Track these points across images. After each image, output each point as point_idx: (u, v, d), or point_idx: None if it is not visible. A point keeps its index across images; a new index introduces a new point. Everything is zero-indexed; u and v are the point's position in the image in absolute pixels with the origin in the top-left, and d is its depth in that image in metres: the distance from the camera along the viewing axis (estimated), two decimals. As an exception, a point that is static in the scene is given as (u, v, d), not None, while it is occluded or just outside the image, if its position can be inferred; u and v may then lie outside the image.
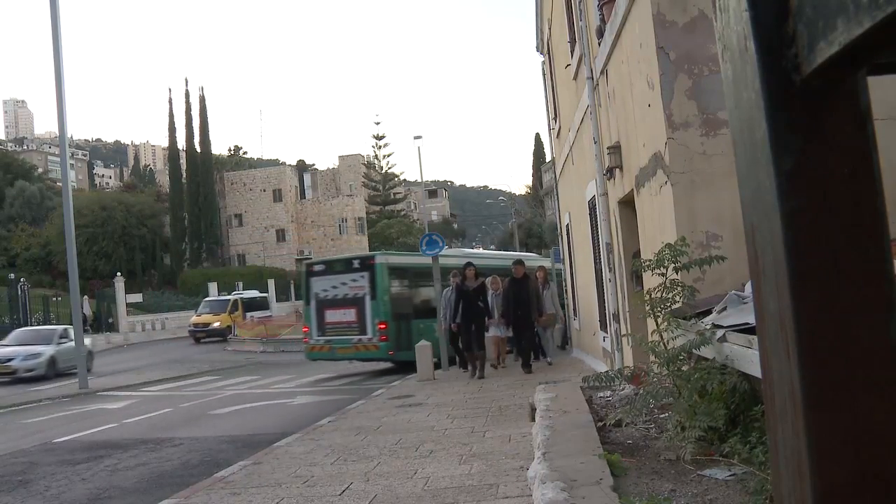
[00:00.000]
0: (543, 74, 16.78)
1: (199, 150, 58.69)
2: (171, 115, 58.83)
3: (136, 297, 44.30)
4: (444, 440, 6.76)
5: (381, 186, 76.14)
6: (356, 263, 16.26)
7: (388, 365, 16.34)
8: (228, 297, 37.22)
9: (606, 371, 7.13)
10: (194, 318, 35.90)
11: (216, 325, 34.62)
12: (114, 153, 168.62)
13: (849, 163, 0.66)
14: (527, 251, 60.82)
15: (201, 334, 34.68)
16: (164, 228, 56.41)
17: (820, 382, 0.65)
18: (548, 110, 16.48)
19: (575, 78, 10.62)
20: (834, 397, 0.65)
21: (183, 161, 58.44)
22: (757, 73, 0.67)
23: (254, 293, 40.67)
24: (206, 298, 39.87)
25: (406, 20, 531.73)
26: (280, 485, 5.49)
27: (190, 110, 59.10)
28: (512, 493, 4.65)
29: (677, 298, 4.86)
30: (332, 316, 15.91)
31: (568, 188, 14.28)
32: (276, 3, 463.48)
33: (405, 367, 14.40)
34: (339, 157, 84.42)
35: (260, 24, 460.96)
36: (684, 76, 5.82)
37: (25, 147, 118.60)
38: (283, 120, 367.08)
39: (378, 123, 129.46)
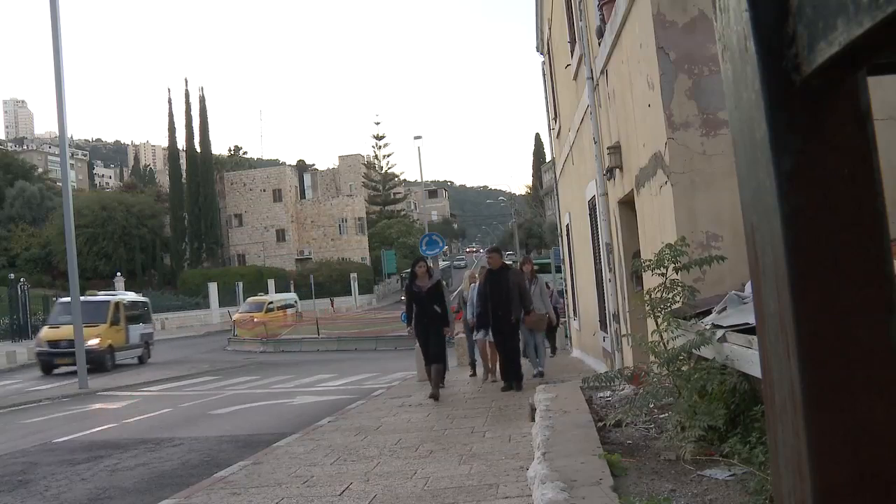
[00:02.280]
0: (543, 74, 16.79)
1: (199, 150, 58.70)
2: (171, 115, 58.89)
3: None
4: (443, 440, 6.76)
5: (381, 186, 76.17)
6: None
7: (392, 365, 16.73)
8: (106, 299, 22.92)
9: (606, 371, 7.14)
10: (47, 332, 20.62)
11: (93, 342, 19.42)
12: (114, 153, 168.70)
13: (849, 163, 0.66)
14: (527, 251, 60.86)
15: (62, 360, 19.53)
16: (164, 228, 56.43)
17: (820, 382, 0.65)
18: (548, 110, 16.49)
19: (575, 78, 10.62)
20: (834, 397, 0.65)
21: (183, 161, 58.45)
22: (757, 73, 0.67)
23: (130, 294, 26.25)
24: (60, 300, 24.10)
25: (406, 20, 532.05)
26: (280, 485, 5.49)
27: (190, 110, 59.15)
28: (512, 493, 4.65)
29: (677, 298, 4.86)
30: None
31: (568, 188, 14.28)
32: (276, 3, 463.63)
33: None
34: (339, 157, 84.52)
35: (260, 25, 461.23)
36: (684, 76, 5.83)
37: (25, 147, 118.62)
38: (283, 120, 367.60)
39: (378, 123, 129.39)
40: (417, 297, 10.02)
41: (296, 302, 41.71)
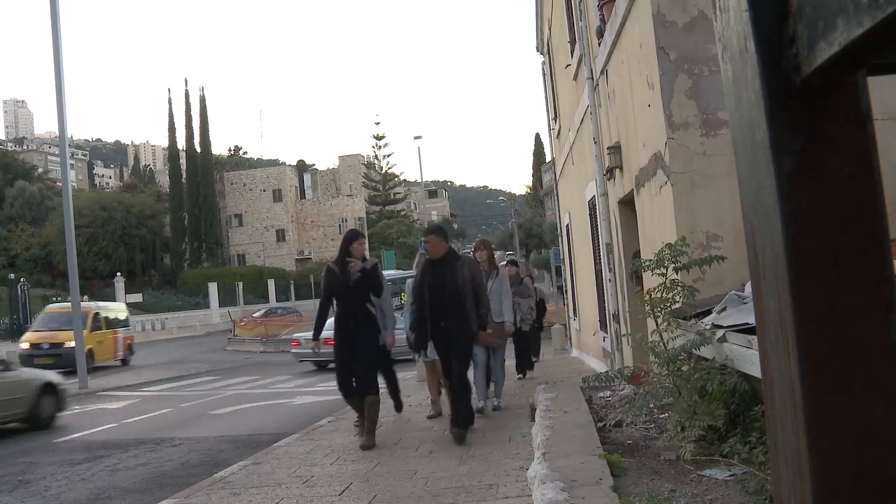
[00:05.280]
0: (543, 74, 16.80)
1: (199, 150, 58.77)
2: (171, 115, 58.98)
3: (136, 297, 44.36)
4: (443, 440, 6.75)
5: (381, 186, 76.13)
6: None
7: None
8: None
9: (606, 371, 7.14)
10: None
11: None
12: (114, 153, 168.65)
13: (849, 163, 0.66)
14: (527, 251, 60.77)
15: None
16: (164, 228, 56.46)
17: (820, 382, 0.65)
18: (548, 110, 16.49)
19: (575, 78, 10.62)
20: (834, 397, 0.65)
21: (183, 161, 58.51)
22: (757, 73, 0.67)
23: None
24: None
25: (406, 20, 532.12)
26: (280, 485, 5.49)
27: (190, 110, 59.21)
28: (512, 493, 4.65)
29: (677, 298, 4.86)
30: None
31: (568, 188, 14.28)
32: (276, 3, 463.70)
33: None
34: (339, 157, 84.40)
35: (260, 25, 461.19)
36: (684, 76, 5.83)
37: (25, 147, 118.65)
38: (283, 120, 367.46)
39: (378, 123, 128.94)
40: (342, 290, 6.58)
41: (127, 318, 24.55)
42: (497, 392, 8.20)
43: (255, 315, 42.12)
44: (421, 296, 6.73)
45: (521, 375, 11.18)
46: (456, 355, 6.57)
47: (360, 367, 6.68)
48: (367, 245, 6.89)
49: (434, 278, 6.65)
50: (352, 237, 6.96)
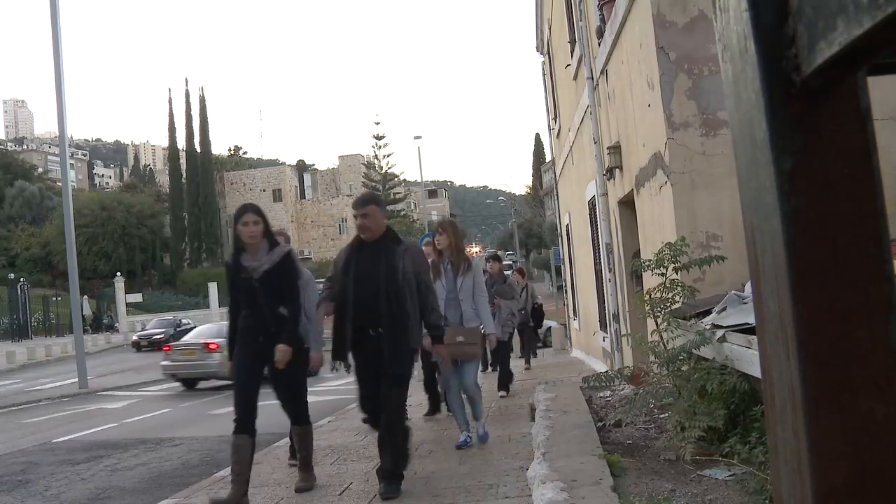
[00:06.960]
0: (543, 74, 16.80)
1: (199, 150, 58.84)
2: (171, 115, 59.06)
3: (136, 297, 44.41)
4: (443, 440, 6.75)
5: (381, 186, 75.99)
6: None
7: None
8: None
9: (606, 371, 7.14)
10: None
11: None
12: (114, 153, 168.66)
13: (849, 163, 0.66)
14: (527, 251, 60.75)
15: None
16: (164, 228, 56.51)
17: (820, 382, 0.65)
18: (548, 110, 16.49)
19: (575, 78, 10.62)
20: (834, 397, 0.65)
21: (183, 161, 58.57)
22: (757, 73, 0.67)
23: None
24: None
25: (406, 20, 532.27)
26: (280, 485, 5.49)
27: (190, 110, 59.26)
28: (512, 493, 4.65)
29: (677, 298, 4.86)
30: None
31: (568, 188, 14.28)
32: (276, 3, 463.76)
33: None
34: (339, 157, 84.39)
35: (260, 25, 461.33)
36: (684, 76, 5.83)
37: (25, 147, 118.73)
38: (283, 120, 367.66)
39: (378, 123, 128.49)
40: (244, 291, 4.80)
41: None
42: (476, 414, 6.29)
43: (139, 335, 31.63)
44: (343, 290, 4.83)
45: (503, 393, 9.19)
46: (389, 377, 4.73)
47: (281, 392, 5.03)
48: (265, 219, 4.85)
49: (363, 267, 4.80)
50: (237, 215, 4.86)
